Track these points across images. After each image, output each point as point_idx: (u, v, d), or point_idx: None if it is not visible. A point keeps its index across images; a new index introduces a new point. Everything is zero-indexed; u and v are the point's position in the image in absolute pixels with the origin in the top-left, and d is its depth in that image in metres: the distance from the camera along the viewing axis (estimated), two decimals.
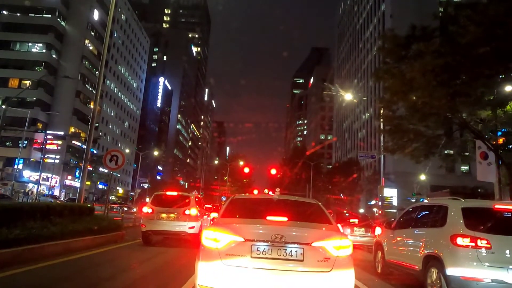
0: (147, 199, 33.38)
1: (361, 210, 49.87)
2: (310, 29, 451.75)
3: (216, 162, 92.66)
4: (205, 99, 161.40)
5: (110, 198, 42.94)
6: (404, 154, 18.09)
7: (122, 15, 76.59)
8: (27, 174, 50.69)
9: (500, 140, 16.11)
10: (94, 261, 7.91)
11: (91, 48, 63.33)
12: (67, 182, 58.82)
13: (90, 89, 61.84)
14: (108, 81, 68.83)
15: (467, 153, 20.21)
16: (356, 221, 15.63)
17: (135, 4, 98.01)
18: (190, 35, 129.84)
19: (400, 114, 17.38)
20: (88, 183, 53.25)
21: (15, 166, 45.18)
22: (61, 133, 52.13)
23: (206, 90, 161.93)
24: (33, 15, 58.40)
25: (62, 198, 50.10)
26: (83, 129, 58.55)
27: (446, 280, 5.38)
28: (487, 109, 15.18)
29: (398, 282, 7.50)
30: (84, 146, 40.42)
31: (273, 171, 50.14)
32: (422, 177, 42.23)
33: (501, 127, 16.13)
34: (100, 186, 62.62)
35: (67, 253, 7.97)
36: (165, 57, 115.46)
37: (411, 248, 6.92)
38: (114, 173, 18.30)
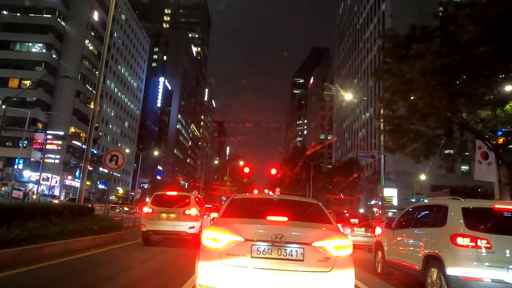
0: (147, 199, 33.36)
1: (361, 210, 49.88)
2: (310, 29, 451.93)
3: (216, 162, 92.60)
4: (205, 99, 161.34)
5: (110, 198, 42.91)
6: (404, 154, 18.09)
7: (122, 15, 76.56)
8: (27, 174, 50.67)
9: (500, 140, 16.09)
10: (94, 261, 7.90)
11: (91, 48, 63.32)
12: (67, 182, 58.81)
13: (90, 89, 61.82)
14: (108, 81, 68.81)
15: (467, 153, 20.21)
16: (356, 221, 15.61)
17: (135, 4, 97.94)
18: (190, 35, 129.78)
19: (400, 114, 17.38)
20: (88, 183, 53.24)
21: (15, 166, 45.12)
22: (61, 133, 52.09)
23: (206, 90, 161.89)
24: (33, 15, 58.37)
25: (62, 198, 50.05)
26: (83, 129, 58.53)
27: (446, 280, 5.38)
28: (487, 109, 15.18)
29: (398, 282, 7.50)
30: (84, 146, 40.40)
31: (273, 171, 50.10)
32: (422, 177, 42.23)
33: (501, 127, 16.13)
34: (100, 186, 62.60)
35: (67, 253, 7.96)
36: (165, 57, 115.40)
37: (411, 248, 6.92)
38: (114, 173, 18.32)
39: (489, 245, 5.22)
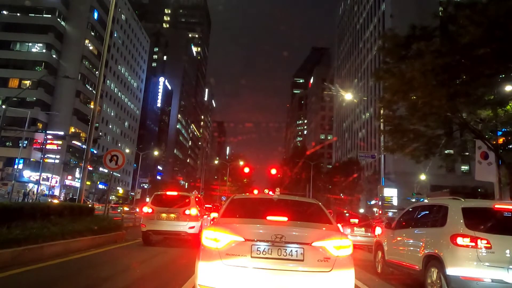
0: (147, 199, 33.36)
1: (361, 210, 49.86)
2: (310, 29, 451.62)
3: (216, 162, 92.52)
4: (205, 99, 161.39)
5: (110, 198, 42.90)
6: (404, 154, 18.07)
7: (122, 15, 76.56)
8: (27, 174, 50.69)
9: (500, 140, 16.08)
10: (94, 261, 7.91)
11: (91, 48, 63.32)
12: (67, 182, 58.80)
13: (90, 89, 61.84)
14: (108, 81, 68.83)
15: (467, 153, 20.19)
16: (356, 221, 15.62)
17: (135, 4, 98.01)
18: (190, 35, 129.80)
19: (400, 114, 17.37)
20: (88, 183, 53.24)
21: (15, 166, 45.16)
22: (61, 133, 52.11)
23: (206, 90, 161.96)
24: (33, 15, 58.42)
25: (61, 198, 50.00)
26: (83, 129, 58.53)
27: (446, 280, 5.38)
28: (487, 109, 15.16)
29: (398, 282, 7.50)
30: (84, 146, 40.40)
31: (273, 171, 50.04)
32: (422, 177, 42.20)
33: (501, 127, 16.10)
34: (100, 186, 62.61)
35: (67, 253, 7.97)
36: (165, 57, 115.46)
37: (411, 248, 6.92)
38: (114, 173, 18.29)
39: (489, 245, 5.22)
